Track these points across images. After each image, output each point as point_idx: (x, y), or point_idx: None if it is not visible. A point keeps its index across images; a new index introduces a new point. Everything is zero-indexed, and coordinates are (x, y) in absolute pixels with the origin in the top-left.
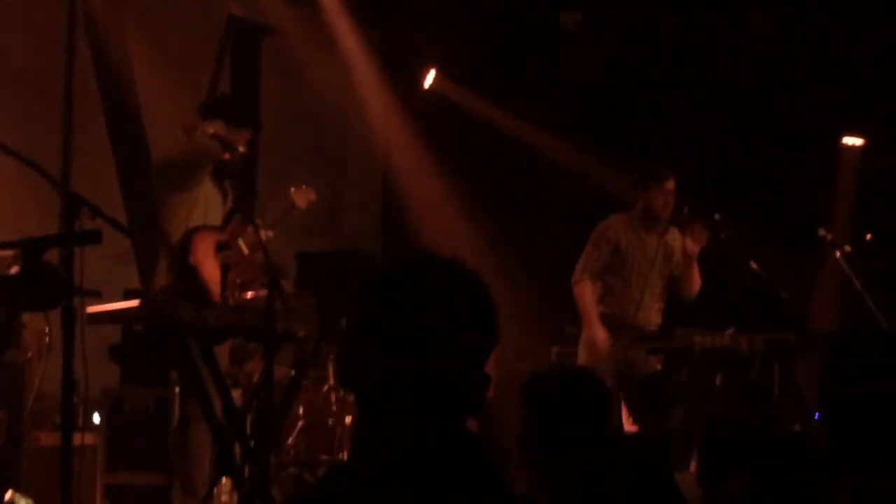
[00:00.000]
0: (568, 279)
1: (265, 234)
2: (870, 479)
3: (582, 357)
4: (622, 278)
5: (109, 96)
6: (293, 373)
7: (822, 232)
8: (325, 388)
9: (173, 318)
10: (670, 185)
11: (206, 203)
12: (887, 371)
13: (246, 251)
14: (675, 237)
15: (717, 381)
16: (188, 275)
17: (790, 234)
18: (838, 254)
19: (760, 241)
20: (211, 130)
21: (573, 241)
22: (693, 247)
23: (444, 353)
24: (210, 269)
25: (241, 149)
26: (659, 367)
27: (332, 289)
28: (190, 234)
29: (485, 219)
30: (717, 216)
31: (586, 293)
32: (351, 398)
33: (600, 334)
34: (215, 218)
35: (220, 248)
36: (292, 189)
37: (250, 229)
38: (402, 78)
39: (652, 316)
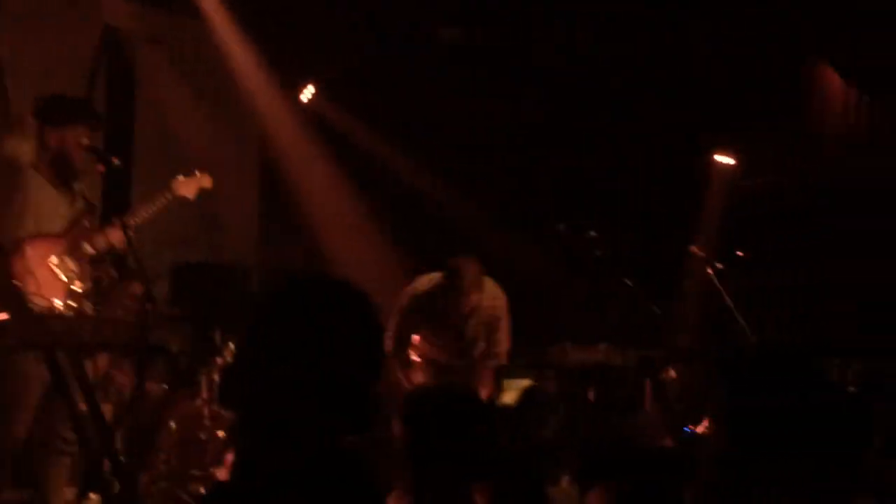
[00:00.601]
0: None
1: (114, 237)
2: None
3: None
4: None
5: None
6: (166, 387)
7: (693, 249)
8: (198, 402)
9: (44, 332)
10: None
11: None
12: (785, 387)
13: (90, 251)
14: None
15: (590, 396)
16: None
17: (662, 251)
18: (709, 270)
19: (634, 257)
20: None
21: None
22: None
23: (330, 373)
24: (42, 278)
25: (85, 141)
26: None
27: (206, 303)
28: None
29: (369, 231)
30: (592, 233)
31: None
32: (224, 413)
33: None
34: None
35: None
36: (179, 178)
37: (106, 231)
38: (286, 90)
39: None
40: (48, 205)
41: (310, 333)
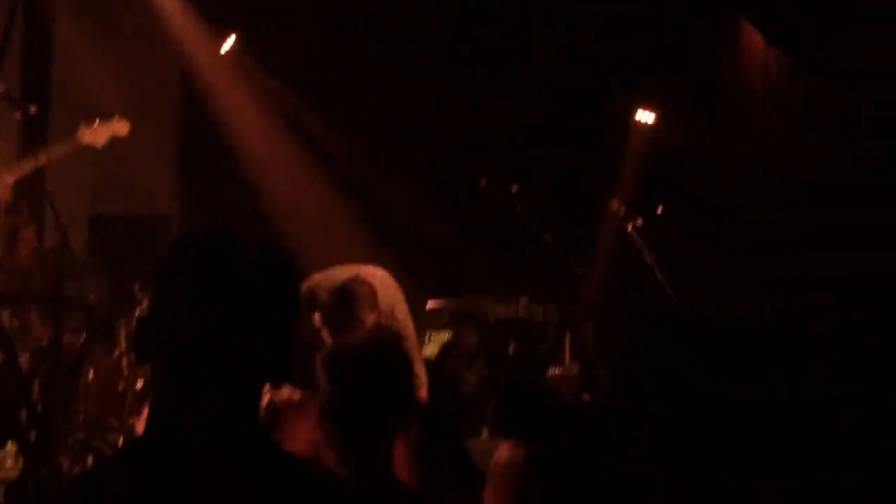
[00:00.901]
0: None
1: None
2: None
3: None
4: None
5: None
6: (83, 338)
7: (614, 205)
8: (117, 353)
9: None
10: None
11: None
12: (682, 347)
13: None
14: None
15: (510, 350)
16: None
17: (583, 206)
18: (630, 227)
19: (555, 212)
20: None
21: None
22: None
23: (243, 325)
24: None
25: None
26: None
27: (123, 254)
28: None
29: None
30: (513, 188)
31: None
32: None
33: None
34: None
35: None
36: (84, 126)
37: None
38: (210, 39)
39: None
40: None
41: (224, 283)
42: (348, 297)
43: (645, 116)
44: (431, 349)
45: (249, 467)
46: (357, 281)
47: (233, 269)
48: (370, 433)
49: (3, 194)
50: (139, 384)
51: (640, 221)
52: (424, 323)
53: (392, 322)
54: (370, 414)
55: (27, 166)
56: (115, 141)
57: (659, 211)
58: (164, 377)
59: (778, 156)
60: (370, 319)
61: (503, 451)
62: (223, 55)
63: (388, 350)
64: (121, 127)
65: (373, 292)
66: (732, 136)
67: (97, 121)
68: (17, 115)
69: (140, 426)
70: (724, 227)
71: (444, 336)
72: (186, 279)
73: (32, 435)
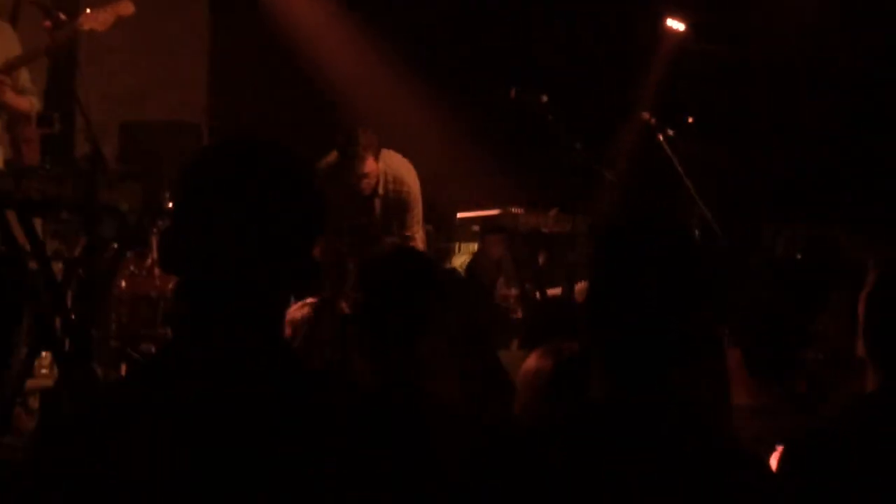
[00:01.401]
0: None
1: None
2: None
3: None
4: None
5: None
6: (115, 245)
7: (645, 115)
8: (149, 261)
9: None
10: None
11: None
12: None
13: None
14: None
15: (540, 261)
16: None
17: (614, 116)
18: (660, 137)
19: (585, 123)
20: None
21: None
22: None
23: (266, 236)
24: None
25: None
26: None
27: (155, 161)
28: None
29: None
30: (544, 97)
31: None
32: None
33: None
34: None
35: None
36: (87, 11)
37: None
38: None
39: None
40: None
41: (248, 192)
42: (350, 136)
43: (676, 24)
44: (461, 259)
45: (275, 382)
46: (363, 129)
47: (257, 178)
48: (401, 339)
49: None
50: (171, 292)
51: (670, 132)
52: (455, 234)
53: (400, 193)
54: (400, 317)
55: (32, 54)
56: (145, 49)
57: (690, 121)
58: (188, 287)
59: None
60: (372, 165)
61: (531, 360)
62: None
63: (414, 257)
64: (125, 7)
65: (376, 143)
66: (765, 43)
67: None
68: (47, 23)
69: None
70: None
71: (473, 247)
72: (209, 188)
73: (67, 343)
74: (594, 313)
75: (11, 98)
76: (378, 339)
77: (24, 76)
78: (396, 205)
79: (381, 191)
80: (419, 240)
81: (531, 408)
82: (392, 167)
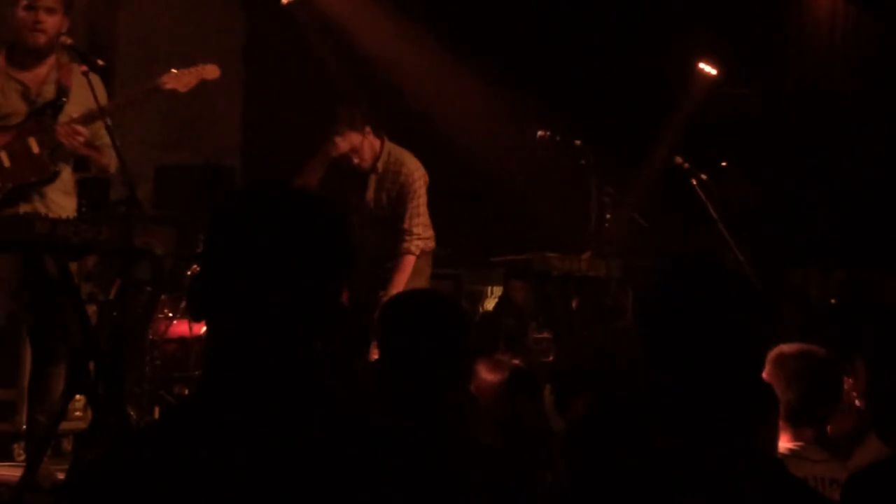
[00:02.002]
0: None
1: (79, 130)
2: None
3: None
4: None
5: None
6: (149, 289)
7: (678, 160)
8: (182, 304)
9: (28, 234)
10: (354, 138)
11: None
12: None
13: (36, 150)
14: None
15: (573, 305)
16: None
17: (647, 161)
18: (694, 181)
19: (619, 167)
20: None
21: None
22: None
23: (295, 282)
24: None
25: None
26: None
27: (190, 204)
28: None
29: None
30: (577, 142)
31: None
32: None
33: None
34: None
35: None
36: (173, 71)
37: (61, 128)
38: None
39: None
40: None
41: (278, 236)
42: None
43: (708, 68)
44: (493, 302)
45: (308, 426)
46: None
47: (287, 224)
48: (433, 382)
49: (68, 142)
50: (204, 335)
51: (703, 176)
52: (487, 278)
53: (398, 175)
54: (433, 359)
55: (110, 108)
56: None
57: (723, 165)
58: (218, 332)
59: (845, 104)
60: (355, 137)
61: (486, 374)
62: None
63: (444, 299)
64: (210, 71)
65: (360, 116)
66: (797, 87)
67: (184, 66)
68: (83, 68)
69: None
70: (788, 179)
71: (502, 291)
72: (239, 234)
73: (100, 386)
74: (657, 360)
75: (89, 151)
76: (408, 383)
77: (102, 130)
78: (393, 185)
79: (379, 167)
80: (423, 239)
81: (494, 411)
82: (395, 151)
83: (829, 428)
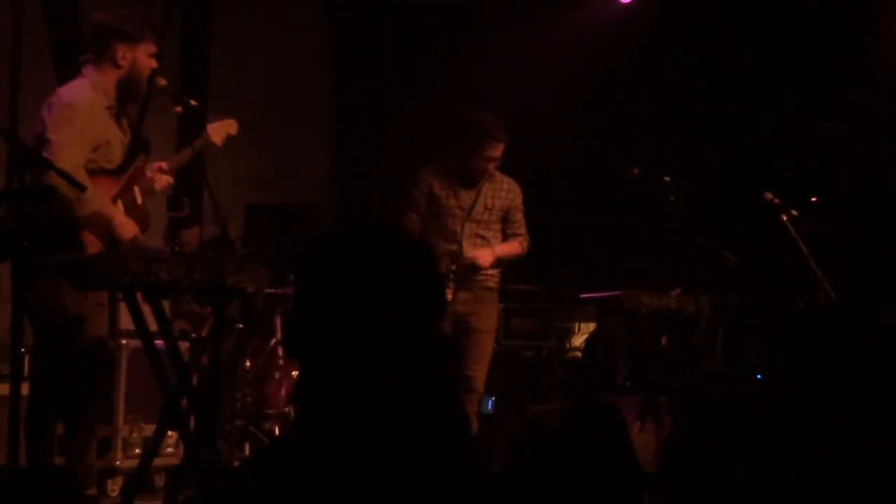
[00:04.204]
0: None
1: (164, 180)
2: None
3: None
4: (439, 227)
5: (57, 31)
6: (241, 327)
7: (768, 195)
8: (273, 341)
9: (123, 272)
10: (497, 151)
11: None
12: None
13: (139, 200)
14: (500, 186)
15: (663, 342)
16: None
17: (735, 195)
18: (784, 217)
19: (708, 203)
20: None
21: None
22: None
23: (391, 321)
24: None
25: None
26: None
27: (281, 242)
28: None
29: None
30: (666, 178)
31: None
32: None
33: None
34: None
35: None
36: (210, 124)
37: (150, 176)
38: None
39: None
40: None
41: (366, 279)
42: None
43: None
44: (579, 339)
45: (400, 468)
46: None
47: (376, 266)
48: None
49: (160, 185)
50: (294, 373)
51: (794, 212)
52: (574, 314)
53: (509, 193)
54: None
55: (176, 161)
56: (268, 129)
57: (813, 200)
58: (312, 371)
59: None
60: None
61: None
62: None
63: None
64: (232, 126)
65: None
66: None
67: (221, 119)
68: (178, 108)
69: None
70: (882, 218)
71: (591, 327)
72: (329, 275)
73: (192, 422)
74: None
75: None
76: None
77: None
78: (500, 192)
79: (495, 175)
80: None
81: None
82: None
83: None
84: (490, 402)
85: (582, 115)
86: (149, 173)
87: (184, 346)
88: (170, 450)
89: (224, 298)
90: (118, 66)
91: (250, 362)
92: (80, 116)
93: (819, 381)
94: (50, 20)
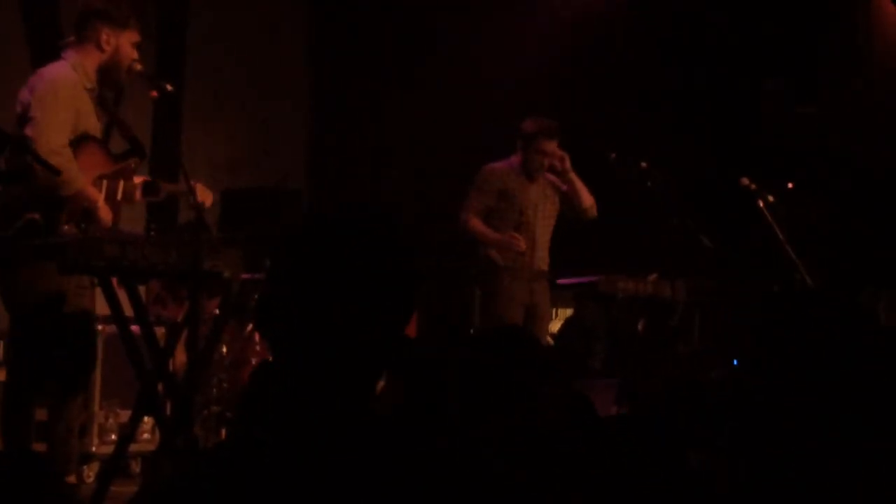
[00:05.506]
0: None
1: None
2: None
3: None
4: (512, 223)
5: (33, 16)
6: (217, 312)
7: (745, 181)
8: (249, 327)
9: (98, 256)
10: (551, 146)
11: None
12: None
13: (119, 196)
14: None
15: (640, 327)
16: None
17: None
18: (761, 203)
19: (684, 188)
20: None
21: None
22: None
23: (361, 306)
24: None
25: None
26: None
27: (256, 227)
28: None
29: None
30: (643, 164)
31: (480, 225)
32: None
33: (506, 238)
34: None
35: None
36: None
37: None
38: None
39: (545, 259)
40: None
41: (341, 264)
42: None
43: (773, 86)
44: (556, 325)
45: (365, 453)
46: None
47: (353, 250)
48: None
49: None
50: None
51: (770, 197)
52: (553, 299)
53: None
54: None
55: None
56: (245, 116)
57: (789, 186)
58: (280, 353)
59: None
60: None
61: None
62: None
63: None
64: (209, 197)
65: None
66: (866, 107)
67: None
68: (154, 93)
69: None
70: (862, 203)
71: (568, 313)
72: (305, 258)
73: (168, 408)
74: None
75: None
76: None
77: None
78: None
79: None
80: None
81: None
82: None
83: None
84: None
85: (559, 100)
86: (136, 179)
87: (159, 331)
88: (146, 436)
89: (200, 283)
90: (101, 50)
91: (227, 348)
92: (65, 93)
93: (795, 367)
94: (26, 4)
